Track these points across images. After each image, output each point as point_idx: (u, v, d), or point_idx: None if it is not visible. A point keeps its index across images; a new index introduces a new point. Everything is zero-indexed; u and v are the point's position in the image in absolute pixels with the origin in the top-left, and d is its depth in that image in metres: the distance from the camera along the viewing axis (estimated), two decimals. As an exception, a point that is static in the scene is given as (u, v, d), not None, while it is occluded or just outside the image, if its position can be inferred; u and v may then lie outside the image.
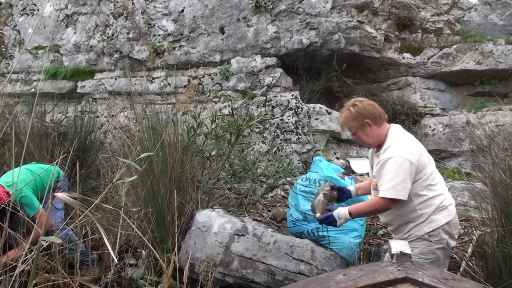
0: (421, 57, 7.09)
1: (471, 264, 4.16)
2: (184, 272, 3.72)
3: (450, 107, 7.10)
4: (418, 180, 3.32)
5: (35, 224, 3.88)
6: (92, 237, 4.45)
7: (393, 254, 2.31)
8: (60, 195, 2.30)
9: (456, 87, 7.18)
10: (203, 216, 4.47)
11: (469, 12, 7.14)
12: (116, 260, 3.15)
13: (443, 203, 3.34)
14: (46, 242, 3.24)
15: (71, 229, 4.38)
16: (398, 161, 3.24)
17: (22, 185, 3.94)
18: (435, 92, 7.17)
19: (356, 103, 3.52)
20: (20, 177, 4.01)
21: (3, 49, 8.76)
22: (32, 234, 3.62)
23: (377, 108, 3.51)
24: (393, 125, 3.57)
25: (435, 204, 3.32)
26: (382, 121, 3.49)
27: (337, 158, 6.59)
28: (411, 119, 6.94)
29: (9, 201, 3.60)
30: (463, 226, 4.82)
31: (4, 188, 4.15)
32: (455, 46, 6.94)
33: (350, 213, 3.46)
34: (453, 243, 3.40)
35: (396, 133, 3.48)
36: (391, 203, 3.28)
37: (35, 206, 4.24)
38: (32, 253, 3.33)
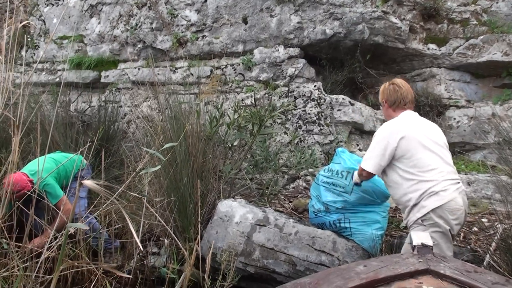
0: (447, 48, 6.96)
1: (495, 258, 4.12)
2: (207, 261, 3.75)
3: (475, 99, 6.97)
4: (403, 163, 3.52)
5: (59, 211, 3.95)
6: (116, 226, 4.51)
7: (414, 246, 2.29)
8: (87, 182, 2.33)
9: (482, 79, 7.04)
10: (225, 206, 4.49)
11: (497, 3, 6.98)
12: (141, 247, 3.19)
13: (432, 188, 3.41)
14: (73, 228, 3.30)
15: (95, 217, 4.43)
16: (377, 139, 3.65)
17: (46, 174, 4.00)
18: (460, 83, 7.04)
19: (389, 82, 3.89)
20: (44, 166, 4.08)
21: (29, 39, 8.88)
22: (57, 222, 3.68)
23: (398, 94, 3.76)
24: (407, 111, 3.76)
25: (421, 189, 3.43)
26: (395, 106, 3.79)
27: (360, 150, 6.55)
28: (435, 110, 6.84)
29: (34, 189, 3.67)
30: (487, 220, 4.77)
31: (28, 177, 4.23)
32: (481, 37, 6.79)
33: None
34: (449, 227, 3.39)
35: (397, 118, 3.72)
36: (363, 172, 3.76)
37: (57, 194, 4.32)
38: (57, 240, 3.40)
